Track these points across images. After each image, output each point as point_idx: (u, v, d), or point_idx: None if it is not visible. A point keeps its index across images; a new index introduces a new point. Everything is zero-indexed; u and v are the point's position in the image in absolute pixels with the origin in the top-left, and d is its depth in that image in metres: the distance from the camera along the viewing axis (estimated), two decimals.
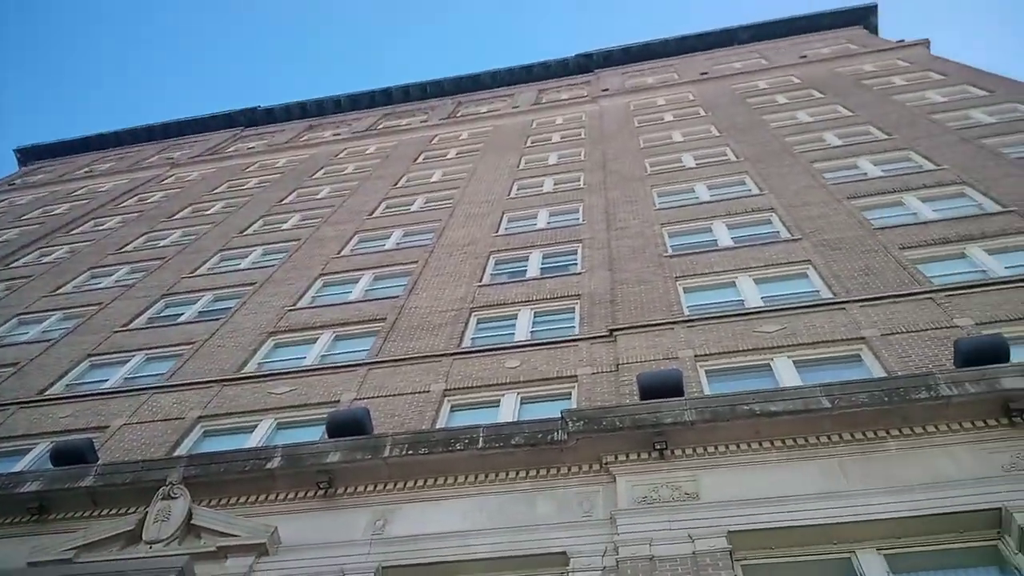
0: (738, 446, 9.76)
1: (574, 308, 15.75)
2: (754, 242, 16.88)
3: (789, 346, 12.50)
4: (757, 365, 12.37)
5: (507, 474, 10.38)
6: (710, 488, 9.34)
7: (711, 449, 9.83)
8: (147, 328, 19.03)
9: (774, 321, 13.24)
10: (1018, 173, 17.52)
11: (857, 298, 13.41)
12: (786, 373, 11.89)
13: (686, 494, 9.31)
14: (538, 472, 10.29)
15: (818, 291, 14.36)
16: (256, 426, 13.67)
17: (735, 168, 22.29)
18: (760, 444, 9.72)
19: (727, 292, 15.06)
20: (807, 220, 17.38)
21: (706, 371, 12.33)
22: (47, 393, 16.34)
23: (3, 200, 39.05)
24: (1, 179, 45.06)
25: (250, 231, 26.11)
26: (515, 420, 11.71)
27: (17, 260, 27.80)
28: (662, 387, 10.50)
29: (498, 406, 12.96)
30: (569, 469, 10.19)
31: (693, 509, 9.04)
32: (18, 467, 13.53)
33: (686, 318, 13.89)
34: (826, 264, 15.06)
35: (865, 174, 19.86)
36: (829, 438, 9.55)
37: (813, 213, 17.71)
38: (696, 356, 12.62)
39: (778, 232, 17.32)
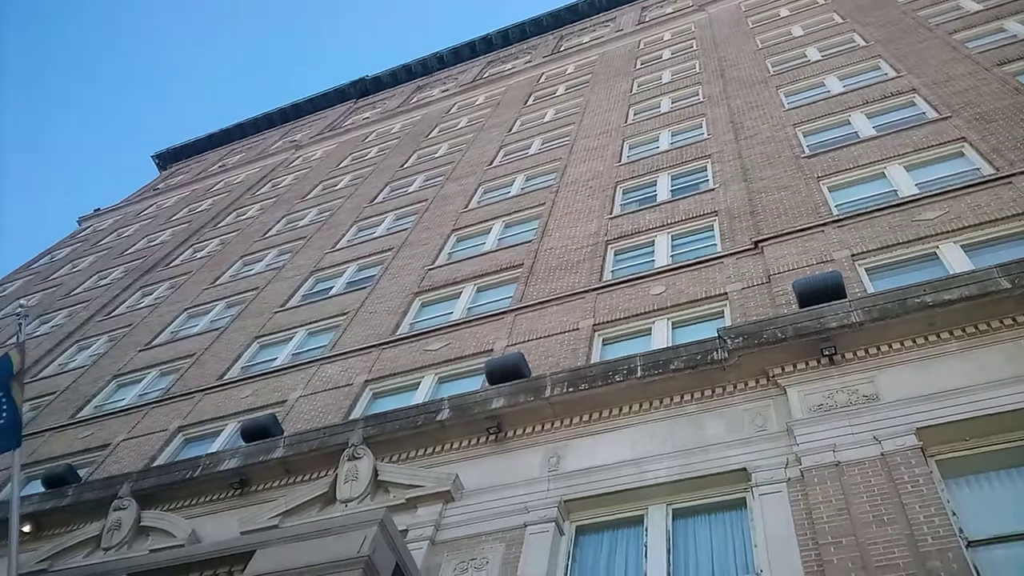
0: (913, 341, 9.29)
1: (712, 225, 15.33)
2: (899, 127, 15.80)
3: (954, 231, 11.71)
4: (921, 255, 11.68)
5: (670, 399, 10.34)
6: (889, 387, 8.96)
7: (884, 348, 9.40)
8: (303, 305, 20.00)
9: (934, 207, 12.42)
10: None
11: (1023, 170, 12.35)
12: (955, 259, 11.17)
13: (864, 396, 8.97)
14: (702, 394, 10.19)
15: (978, 168, 13.33)
16: (419, 383, 14.19)
17: (866, 53, 20.84)
18: (937, 336, 9.22)
19: (877, 184, 14.21)
20: (954, 95, 16.07)
21: (866, 269, 11.76)
22: (226, 377, 17.55)
23: (150, 205, 41.77)
24: (145, 186, 48.22)
25: (379, 199, 26.81)
26: (670, 345, 11.55)
27: (175, 259, 29.79)
28: (822, 291, 10.10)
29: (650, 334, 12.89)
30: (735, 387, 10.04)
31: (874, 410, 8.72)
32: (214, 448, 14.66)
33: (835, 218, 13.24)
34: (983, 139, 13.92)
35: (1014, 36, 18.10)
36: (1014, 320, 8.93)
37: (960, 87, 16.36)
38: (853, 255, 12.03)
39: (924, 113, 16.13)
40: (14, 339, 8.07)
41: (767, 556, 7.99)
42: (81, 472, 15.27)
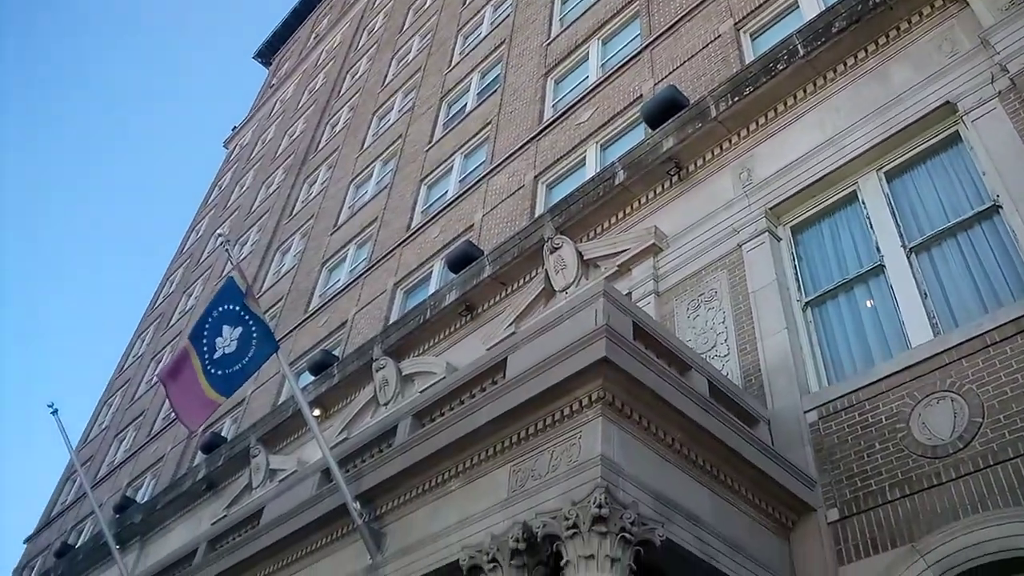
0: None
1: None
2: None
3: None
4: None
5: (844, 65, 9.63)
6: None
7: None
8: (448, 133, 20.12)
9: None
10: None
11: None
12: None
13: None
14: (876, 44, 9.38)
15: None
16: (584, 158, 14.11)
17: None
18: None
19: None
20: None
21: None
22: (412, 226, 18.37)
23: (275, 103, 42.88)
24: (261, 87, 49.40)
25: None
26: (825, 8, 10.54)
27: (320, 142, 30.77)
28: None
29: (798, 8, 11.87)
30: (909, 22, 9.11)
31: None
32: (431, 289, 15.65)
33: None
34: None
35: None
36: None
37: None
38: None
39: None
40: (229, 265, 8.90)
41: (1000, 179, 7.50)
42: (335, 352, 16.97)
